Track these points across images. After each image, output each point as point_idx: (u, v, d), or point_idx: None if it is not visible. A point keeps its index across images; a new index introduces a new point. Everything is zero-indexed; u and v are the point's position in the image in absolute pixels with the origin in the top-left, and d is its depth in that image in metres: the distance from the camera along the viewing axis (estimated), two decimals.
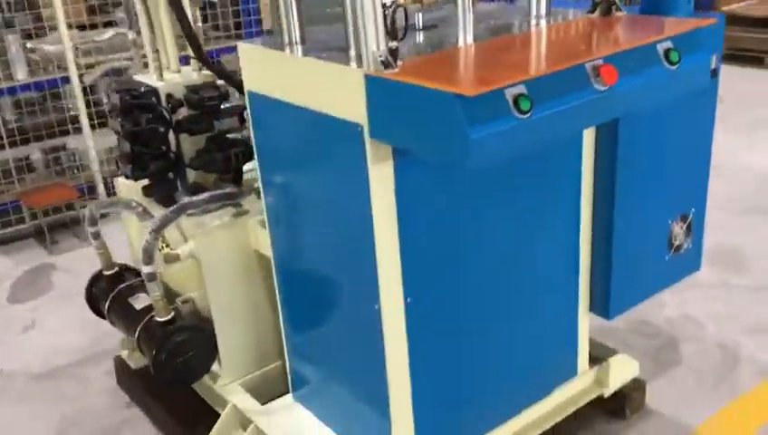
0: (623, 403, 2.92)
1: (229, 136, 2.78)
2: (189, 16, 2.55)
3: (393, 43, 1.79)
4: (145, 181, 2.94)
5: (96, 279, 3.11)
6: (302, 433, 2.55)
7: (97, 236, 3.00)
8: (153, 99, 2.64)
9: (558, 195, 2.42)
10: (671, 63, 1.98)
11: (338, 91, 1.93)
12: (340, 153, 2.00)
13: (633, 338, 3.42)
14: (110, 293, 3.00)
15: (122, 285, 3.01)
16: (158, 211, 2.71)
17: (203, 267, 2.67)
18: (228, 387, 2.81)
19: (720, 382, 3.14)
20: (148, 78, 2.78)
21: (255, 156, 2.38)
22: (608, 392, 2.85)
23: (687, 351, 3.34)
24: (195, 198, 2.58)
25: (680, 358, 3.29)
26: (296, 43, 2.16)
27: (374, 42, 1.81)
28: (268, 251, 2.62)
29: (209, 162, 2.73)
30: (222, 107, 2.70)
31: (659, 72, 1.99)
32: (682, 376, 3.18)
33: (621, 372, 2.89)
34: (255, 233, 2.67)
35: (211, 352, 2.75)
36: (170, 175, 2.75)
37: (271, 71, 2.18)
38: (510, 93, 1.66)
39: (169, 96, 2.67)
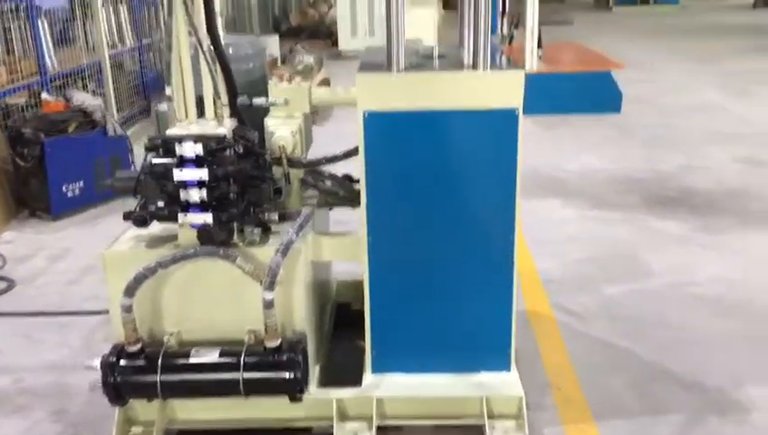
0: None
1: None
2: None
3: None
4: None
5: (117, 359, 2.84)
6: (416, 385, 3.13)
7: (130, 309, 2.80)
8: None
9: None
10: None
11: (495, 90, 2.81)
12: (494, 131, 2.86)
13: None
14: (154, 364, 2.85)
15: (163, 352, 2.88)
16: None
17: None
18: (318, 391, 3.10)
19: None
20: (186, 129, 2.83)
21: (364, 171, 2.91)
22: None
23: None
24: (306, 213, 2.93)
25: None
26: (402, 67, 2.89)
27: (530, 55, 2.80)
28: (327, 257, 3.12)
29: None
30: None
31: None
32: None
33: None
34: (317, 245, 3.09)
35: (308, 363, 3.00)
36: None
37: (403, 90, 2.84)
38: None
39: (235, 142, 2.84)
